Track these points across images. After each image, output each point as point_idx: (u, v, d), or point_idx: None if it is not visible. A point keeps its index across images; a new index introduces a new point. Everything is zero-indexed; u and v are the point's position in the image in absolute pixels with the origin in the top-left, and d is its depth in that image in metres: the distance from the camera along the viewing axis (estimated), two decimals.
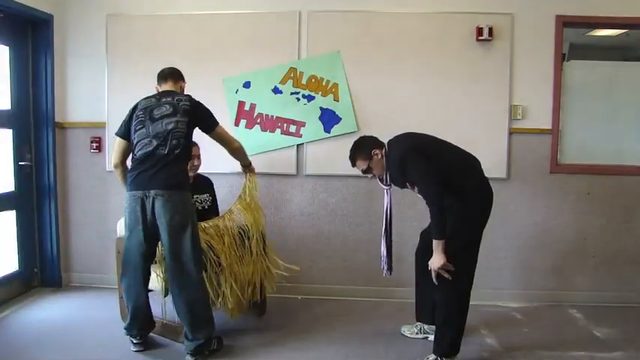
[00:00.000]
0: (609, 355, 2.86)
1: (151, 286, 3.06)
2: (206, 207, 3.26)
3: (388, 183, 2.83)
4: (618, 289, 3.67)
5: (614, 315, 3.45)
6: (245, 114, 3.68)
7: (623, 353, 2.87)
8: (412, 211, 3.56)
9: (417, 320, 3.04)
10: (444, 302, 2.64)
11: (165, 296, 2.94)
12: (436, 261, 2.56)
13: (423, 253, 2.80)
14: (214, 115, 2.82)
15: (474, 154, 2.78)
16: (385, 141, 2.83)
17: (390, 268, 2.96)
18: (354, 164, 2.85)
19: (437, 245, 2.56)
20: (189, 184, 2.78)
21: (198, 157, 3.22)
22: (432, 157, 2.63)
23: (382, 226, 2.93)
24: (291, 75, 3.64)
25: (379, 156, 2.76)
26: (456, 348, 2.66)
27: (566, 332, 3.17)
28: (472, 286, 2.69)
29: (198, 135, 3.40)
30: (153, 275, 3.02)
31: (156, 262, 2.88)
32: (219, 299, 2.88)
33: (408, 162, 2.62)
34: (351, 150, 2.84)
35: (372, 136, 2.87)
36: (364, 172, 2.83)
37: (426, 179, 2.58)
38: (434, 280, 2.60)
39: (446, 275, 2.55)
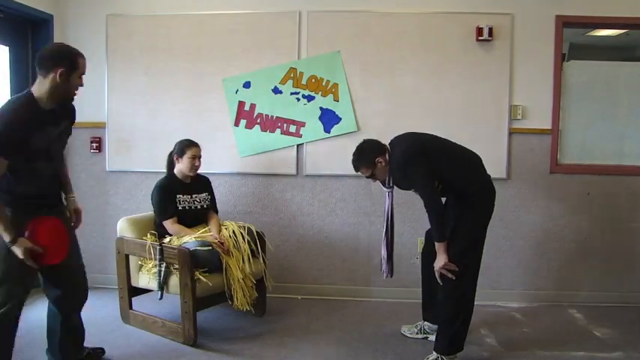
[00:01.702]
0: (609, 355, 2.86)
1: (148, 286, 3.06)
2: (205, 206, 3.27)
3: (390, 185, 2.80)
4: (618, 289, 3.67)
5: (614, 315, 3.45)
6: (245, 114, 3.68)
7: (623, 353, 2.87)
8: (412, 211, 3.56)
9: (424, 319, 3.04)
10: (447, 301, 2.64)
11: (160, 298, 2.95)
12: (439, 262, 2.58)
13: (429, 253, 2.81)
14: None
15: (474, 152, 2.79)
16: (387, 141, 2.81)
17: (390, 272, 2.92)
18: (357, 171, 2.81)
19: (438, 247, 2.58)
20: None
21: (199, 157, 3.23)
22: (434, 158, 2.62)
23: (383, 229, 2.91)
24: (291, 75, 3.63)
25: (383, 163, 2.72)
26: (458, 346, 2.67)
27: (566, 332, 3.17)
28: (476, 285, 2.70)
29: (197, 136, 3.42)
30: (148, 276, 3.03)
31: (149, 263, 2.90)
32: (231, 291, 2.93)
33: (408, 164, 2.62)
34: (354, 157, 2.78)
35: (374, 141, 2.80)
36: (368, 177, 2.82)
37: (425, 183, 2.58)
38: (438, 280, 2.61)
39: (449, 275, 2.57)
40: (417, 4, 3.58)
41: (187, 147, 3.19)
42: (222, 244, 2.97)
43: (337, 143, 3.62)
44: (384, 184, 2.83)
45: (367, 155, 2.75)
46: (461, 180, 2.67)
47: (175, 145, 3.24)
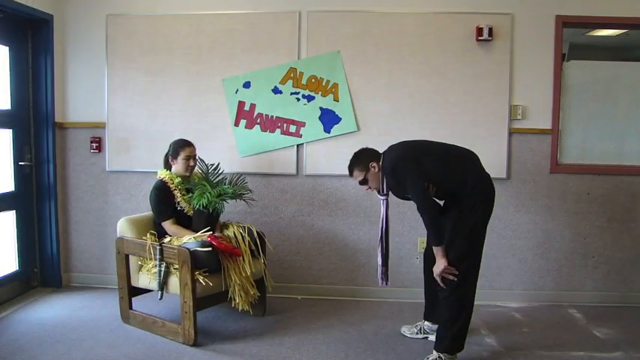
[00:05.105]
0: (609, 355, 2.86)
1: (148, 286, 3.07)
2: None
3: (385, 193, 2.83)
4: (618, 289, 3.67)
5: (614, 315, 3.45)
6: (245, 114, 3.68)
7: (623, 353, 2.88)
8: (412, 211, 3.55)
9: (425, 319, 3.04)
10: (448, 301, 2.65)
11: (161, 298, 2.95)
12: (438, 267, 2.59)
13: (430, 253, 2.81)
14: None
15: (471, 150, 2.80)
16: (387, 145, 2.83)
17: (386, 280, 2.95)
18: (351, 174, 2.87)
19: (437, 251, 2.59)
20: None
21: (194, 157, 3.22)
22: (425, 162, 2.63)
23: (378, 237, 2.94)
24: (291, 75, 3.64)
25: (376, 169, 2.77)
26: (459, 345, 2.67)
27: (566, 332, 3.17)
28: (476, 284, 2.70)
29: (197, 135, 3.42)
30: (148, 276, 3.03)
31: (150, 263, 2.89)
32: (230, 292, 2.93)
33: (399, 170, 2.64)
34: (351, 160, 2.86)
35: (371, 148, 2.87)
36: (361, 183, 2.84)
37: (418, 188, 2.59)
38: (440, 284, 2.62)
39: (451, 277, 2.57)
40: (417, 4, 3.59)
41: (181, 148, 3.19)
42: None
43: (337, 143, 3.62)
44: (379, 192, 2.85)
45: (363, 159, 2.81)
46: (456, 182, 2.67)
47: (170, 146, 3.24)
